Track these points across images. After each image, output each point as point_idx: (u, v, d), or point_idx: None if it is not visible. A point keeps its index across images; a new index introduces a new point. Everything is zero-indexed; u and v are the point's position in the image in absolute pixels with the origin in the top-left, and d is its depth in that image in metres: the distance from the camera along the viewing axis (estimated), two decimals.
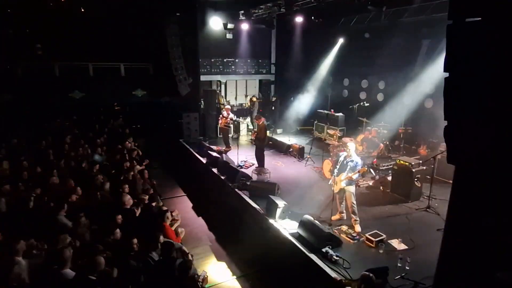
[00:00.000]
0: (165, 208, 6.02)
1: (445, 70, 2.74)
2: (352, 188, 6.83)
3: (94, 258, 4.21)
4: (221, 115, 12.53)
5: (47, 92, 13.38)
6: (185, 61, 14.15)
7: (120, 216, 5.50)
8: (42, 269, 4.37)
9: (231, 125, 12.92)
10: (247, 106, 16.26)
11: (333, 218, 7.02)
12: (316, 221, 6.60)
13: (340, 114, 13.63)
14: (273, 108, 16.43)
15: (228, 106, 13.15)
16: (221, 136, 13.55)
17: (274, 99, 16.77)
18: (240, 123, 14.91)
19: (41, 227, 5.47)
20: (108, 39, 14.97)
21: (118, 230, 5.24)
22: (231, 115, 12.45)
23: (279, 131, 14.93)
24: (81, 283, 3.99)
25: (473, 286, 2.96)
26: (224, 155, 10.91)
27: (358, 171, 6.61)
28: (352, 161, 6.77)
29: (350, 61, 14.01)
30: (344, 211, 7.17)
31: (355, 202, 6.87)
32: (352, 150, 6.92)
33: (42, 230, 5.34)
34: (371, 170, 9.62)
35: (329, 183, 7.19)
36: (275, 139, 12.91)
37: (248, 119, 15.41)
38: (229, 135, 13.03)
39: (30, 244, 4.58)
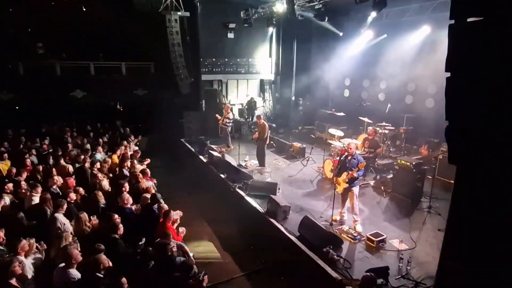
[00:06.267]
0: (166, 208, 6.01)
1: (446, 70, 2.74)
2: (355, 189, 6.85)
3: (97, 257, 4.23)
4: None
5: (49, 91, 13.38)
6: (186, 60, 14.15)
7: (117, 216, 5.49)
8: (46, 268, 4.40)
9: (230, 124, 12.80)
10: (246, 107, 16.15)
11: (334, 218, 7.02)
12: (317, 221, 6.60)
13: (342, 113, 13.61)
14: (277, 108, 16.44)
15: (228, 105, 13.09)
16: (221, 135, 13.54)
17: (277, 95, 16.77)
18: (241, 123, 14.92)
19: (40, 226, 5.49)
20: (109, 38, 14.98)
21: (120, 228, 5.25)
22: (230, 114, 12.41)
23: (280, 130, 14.93)
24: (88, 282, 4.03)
25: (474, 286, 2.96)
26: (226, 154, 10.90)
27: (358, 167, 6.62)
28: (354, 159, 6.79)
29: (351, 61, 13.99)
30: (346, 211, 7.17)
31: (357, 202, 6.89)
32: (354, 149, 6.95)
33: (41, 229, 5.36)
34: (372, 170, 9.61)
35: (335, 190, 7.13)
36: (276, 138, 12.91)
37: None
38: (229, 134, 12.95)
39: (30, 243, 4.59)
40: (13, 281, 3.86)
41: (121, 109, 17.44)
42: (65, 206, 5.64)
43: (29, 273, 4.26)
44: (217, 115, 12.60)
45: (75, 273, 4.18)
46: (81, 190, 6.72)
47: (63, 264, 4.24)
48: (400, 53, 11.49)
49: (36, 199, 6.18)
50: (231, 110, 12.79)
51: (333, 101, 15.58)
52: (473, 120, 2.67)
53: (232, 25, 15.27)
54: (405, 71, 11.46)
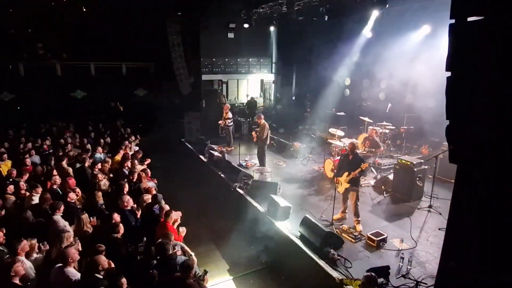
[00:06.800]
0: (167, 208, 6.01)
1: (447, 69, 2.73)
2: (356, 189, 6.85)
3: (96, 257, 4.23)
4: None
5: (49, 91, 13.40)
6: (186, 60, 14.17)
7: (116, 215, 5.49)
8: (47, 269, 4.40)
9: (231, 124, 12.80)
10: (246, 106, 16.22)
11: (335, 217, 7.02)
12: (318, 221, 6.60)
13: (342, 113, 13.60)
14: (278, 107, 16.43)
15: (227, 105, 13.14)
16: (223, 134, 13.55)
17: (278, 94, 16.75)
18: (242, 122, 14.93)
19: (41, 227, 5.48)
20: (109, 39, 15.00)
21: (121, 228, 5.24)
22: (230, 113, 12.47)
23: (280, 130, 14.92)
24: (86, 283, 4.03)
25: (474, 286, 2.95)
26: (226, 154, 10.89)
27: (361, 168, 6.61)
28: (354, 159, 6.78)
29: (351, 60, 13.98)
30: (347, 211, 7.17)
31: (358, 202, 6.89)
32: (354, 149, 6.95)
33: (41, 230, 5.36)
34: (373, 169, 9.61)
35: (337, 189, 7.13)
36: (276, 138, 12.91)
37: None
38: (231, 134, 12.99)
39: (32, 244, 4.60)
40: (16, 281, 3.86)
41: (122, 109, 17.46)
42: (62, 208, 5.60)
43: (31, 274, 4.26)
44: (219, 122, 12.64)
45: (73, 272, 4.18)
46: (77, 190, 6.68)
47: (60, 264, 4.24)
48: (401, 53, 11.46)
49: (36, 199, 6.18)
50: (230, 109, 12.80)
51: (334, 100, 15.55)
52: (474, 119, 2.66)
53: (232, 25, 15.27)
54: (405, 71, 11.42)
